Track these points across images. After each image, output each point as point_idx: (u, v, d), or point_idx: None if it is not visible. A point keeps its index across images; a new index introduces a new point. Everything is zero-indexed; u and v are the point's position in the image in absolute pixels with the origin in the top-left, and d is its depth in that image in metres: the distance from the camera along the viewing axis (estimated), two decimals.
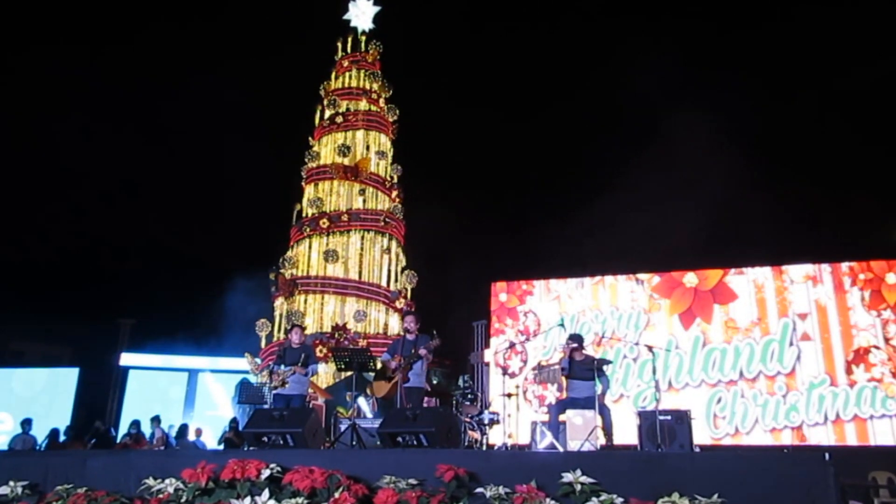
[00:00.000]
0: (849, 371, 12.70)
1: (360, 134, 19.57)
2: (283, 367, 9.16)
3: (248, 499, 5.33)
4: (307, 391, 9.58)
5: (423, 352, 8.61)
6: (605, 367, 8.94)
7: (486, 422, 9.28)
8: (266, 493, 5.33)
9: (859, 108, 28.68)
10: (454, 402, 10.07)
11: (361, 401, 11.31)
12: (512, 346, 14.52)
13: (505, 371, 14.31)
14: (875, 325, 12.85)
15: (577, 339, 9.12)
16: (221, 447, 12.83)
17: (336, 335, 16.91)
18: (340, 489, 5.26)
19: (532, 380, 14.22)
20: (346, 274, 18.07)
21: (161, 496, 5.52)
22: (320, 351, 16.37)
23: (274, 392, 9.25)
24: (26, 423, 13.39)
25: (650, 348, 9.12)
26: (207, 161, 31.60)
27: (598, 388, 8.47)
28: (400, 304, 18.22)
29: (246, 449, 7.24)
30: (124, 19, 38.19)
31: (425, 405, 9.01)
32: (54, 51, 34.77)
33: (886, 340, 12.71)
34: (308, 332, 17.17)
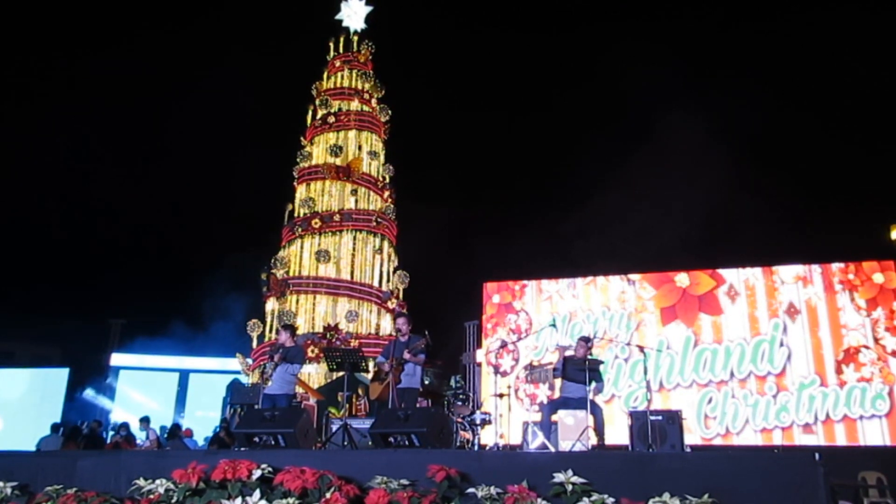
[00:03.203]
0: (839, 371, 12.75)
1: (352, 134, 19.57)
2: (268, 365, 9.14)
3: (240, 499, 5.31)
4: (293, 391, 9.52)
5: (407, 355, 8.57)
6: (598, 368, 8.96)
7: (477, 422, 9.27)
8: (257, 493, 5.32)
9: (851, 113, 28.87)
10: (446, 402, 10.08)
11: None
12: (504, 345, 14.54)
13: (496, 370, 14.32)
14: (865, 325, 12.91)
15: (587, 340, 9.18)
16: (214, 447, 12.78)
17: (328, 335, 16.89)
18: (332, 489, 5.25)
19: (524, 379, 14.23)
20: (338, 274, 18.06)
21: (152, 497, 5.50)
22: (312, 351, 16.36)
23: (262, 392, 9.23)
24: (56, 428, 13.52)
25: (641, 349, 9.16)
26: (199, 162, 31.53)
27: (591, 388, 8.50)
28: (392, 304, 18.22)
29: (237, 449, 7.22)
30: (116, 23, 38.04)
31: (417, 406, 9.01)
32: (51, 53, 34.65)
33: (876, 341, 12.78)
34: (300, 332, 17.16)
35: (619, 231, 21.31)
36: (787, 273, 13.65)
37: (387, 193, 19.44)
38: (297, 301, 17.84)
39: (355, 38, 21.10)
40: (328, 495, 5.21)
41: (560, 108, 35.33)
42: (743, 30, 33.89)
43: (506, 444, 9.63)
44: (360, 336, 17.33)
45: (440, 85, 36.94)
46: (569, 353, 9.11)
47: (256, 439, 6.81)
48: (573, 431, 8.28)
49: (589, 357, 9.08)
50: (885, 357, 12.63)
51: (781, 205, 23.26)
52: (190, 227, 32.22)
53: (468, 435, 9.45)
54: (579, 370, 8.68)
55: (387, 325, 18.05)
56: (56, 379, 20.34)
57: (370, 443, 7.45)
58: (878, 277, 13.12)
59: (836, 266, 13.45)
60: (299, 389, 14.12)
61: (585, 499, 4.98)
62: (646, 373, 9.10)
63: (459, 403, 10.05)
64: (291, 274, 18.18)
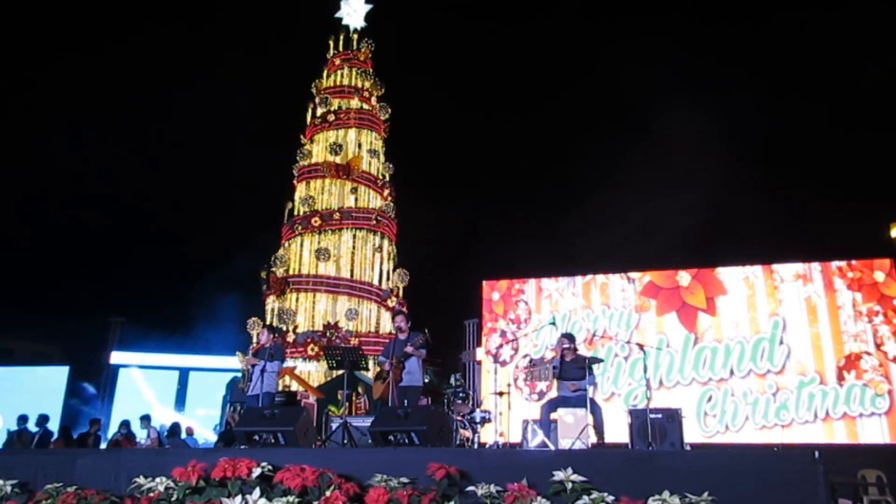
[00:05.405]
0: (840, 378, 12.73)
1: (352, 132, 19.56)
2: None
3: (239, 497, 5.31)
4: (274, 389, 9.55)
5: (409, 349, 8.61)
6: (595, 366, 8.96)
7: (477, 420, 9.28)
8: (257, 491, 5.32)
9: (851, 110, 28.85)
10: (446, 400, 10.08)
11: None
12: (503, 336, 14.66)
13: (496, 359, 14.41)
14: (866, 332, 12.89)
15: (569, 337, 9.15)
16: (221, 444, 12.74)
17: (328, 334, 16.89)
18: (332, 488, 5.25)
19: (523, 369, 14.25)
20: (338, 272, 18.06)
21: (151, 495, 5.50)
22: (312, 349, 16.37)
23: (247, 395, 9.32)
24: (23, 420, 13.40)
25: (641, 347, 9.14)
26: (198, 160, 31.52)
27: (588, 387, 8.51)
28: (392, 302, 18.21)
29: (237, 447, 7.23)
30: (114, 22, 38.03)
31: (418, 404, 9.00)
32: (52, 49, 34.64)
33: (877, 346, 12.75)
34: (300, 330, 17.17)
35: (618, 229, 21.33)
36: (787, 271, 13.65)
37: (387, 192, 19.43)
38: (297, 299, 17.84)
39: (355, 36, 21.08)
40: (328, 493, 5.21)
41: (560, 106, 35.31)
42: (743, 26, 33.86)
43: (505, 443, 9.63)
44: (360, 334, 17.33)
45: (440, 83, 36.91)
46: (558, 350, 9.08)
47: (256, 437, 6.82)
48: (573, 430, 8.27)
49: (589, 356, 9.08)
50: (887, 364, 12.61)
51: (781, 203, 23.27)
52: (190, 225, 32.24)
53: (468, 433, 9.46)
54: (578, 368, 8.68)
55: (387, 324, 18.05)
56: (56, 377, 20.35)
57: (370, 441, 7.45)
58: (879, 276, 13.12)
59: (835, 264, 13.45)
60: (299, 388, 14.17)
61: (585, 497, 4.98)
62: (645, 371, 9.07)
63: (459, 401, 10.05)
64: (291, 272, 18.17)
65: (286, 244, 18.61)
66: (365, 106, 20.08)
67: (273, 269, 17.91)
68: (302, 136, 19.92)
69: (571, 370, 8.74)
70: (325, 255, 17.80)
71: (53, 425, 14.82)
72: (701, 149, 20.22)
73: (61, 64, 34.92)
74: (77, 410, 19.73)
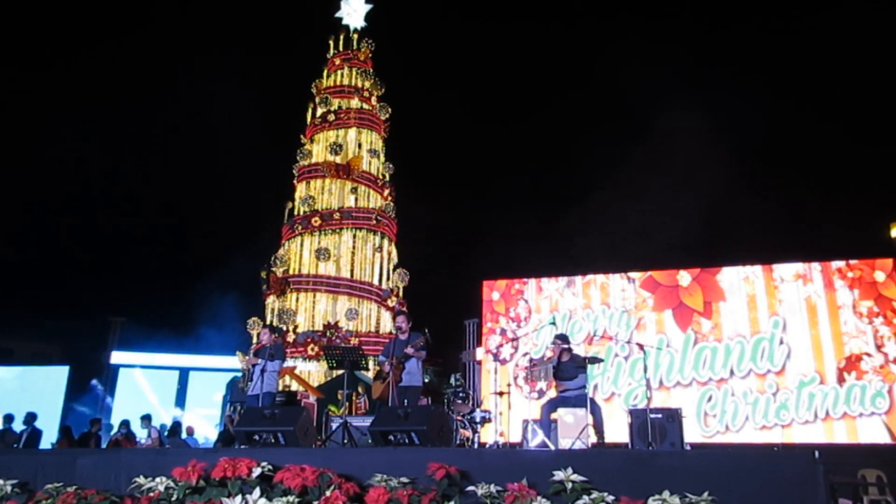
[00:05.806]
0: (841, 379, 12.71)
1: (352, 132, 19.58)
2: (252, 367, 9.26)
3: (239, 497, 5.32)
4: (275, 389, 9.55)
5: (409, 350, 8.62)
6: (592, 365, 8.95)
7: (477, 420, 9.28)
8: (257, 491, 5.32)
9: (851, 110, 28.85)
10: (446, 400, 10.08)
11: None
12: (503, 334, 14.68)
13: (496, 357, 14.42)
14: (866, 333, 12.88)
15: (562, 338, 9.16)
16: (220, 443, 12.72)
17: (328, 333, 16.89)
18: (332, 487, 5.25)
19: (524, 367, 14.26)
20: (338, 272, 18.07)
21: (151, 494, 5.51)
22: (312, 349, 16.37)
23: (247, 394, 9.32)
24: (8, 419, 13.30)
25: (641, 347, 9.14)
26: (198, 159, 31.47)
27: (586, 385, 8.52)
28: (392, 302, 18.21)
29: (237, 447, 7.23)
30: (113, 21, 38.04)
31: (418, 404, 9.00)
32: (50, 46, 34.66)
33: (878, 348, 12.74)
34: (300, 330, 17.17)
35: (618, 229, 21.32)
36: (787, 271, 13.65)
37: (387, 191, 19.44)
38: (297, 299, 17.84)
39: (355, 35, 21.09)
40: (328, 493, 5.21)
41: (560, 105, 35.29)
42: (742, 26, 33.86)
43: (505, 442, 9.64)
44: (360, 334, 17.33)
45: (440, 83, 36.86)
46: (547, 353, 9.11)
47: (256, 437, 6.82)
48: (573, 429, 8.28)
49: (589, 355, 9.10)
50: (888, 365, 12.59)
51: (781, 203, 23.23)
52: (190, 225, 32.19)
53: (468, 433, 9.46)
54: (576, 367, 8.69)
55: (387, 323, 18.05)
56: (56, 377, 20.33)
57: (370, 441, 7.45)
58: (879, 276, 13.11)
59: (835, 264, 13.44)
60: (299, 387, 14.17)
61: (585, 497, 4.98)
62: (645, 371, 9.07)
63: (459, 401, 10.05)
64: (291, 272, 18.18)
65: (286, 244, 18.62)
66: (365, 106, 20.09)
67: (273, 269, 17.92)
68: (302, 136, 19.93)
69: (568, 370, 8.75)
70: (325, 254, 17.81)
71: (53, 425, 14.83)
72: (701, 149, 20.19)
73: (60, 62, 34.93)
74: (77, 410, 19.72)
